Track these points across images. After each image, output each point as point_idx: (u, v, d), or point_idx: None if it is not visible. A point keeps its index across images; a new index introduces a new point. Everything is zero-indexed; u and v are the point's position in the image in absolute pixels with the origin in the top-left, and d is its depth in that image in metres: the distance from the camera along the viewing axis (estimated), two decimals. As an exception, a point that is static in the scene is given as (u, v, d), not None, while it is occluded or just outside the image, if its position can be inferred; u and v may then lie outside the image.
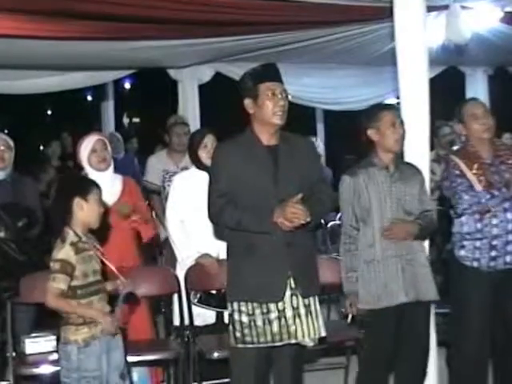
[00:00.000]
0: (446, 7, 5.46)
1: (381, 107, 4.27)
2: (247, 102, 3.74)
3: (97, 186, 3.75)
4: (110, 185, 4.71)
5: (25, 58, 6.22)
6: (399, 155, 4.26)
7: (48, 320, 4.57)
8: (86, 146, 4.79)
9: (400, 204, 4.08)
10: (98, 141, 4.82)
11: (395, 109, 4.28)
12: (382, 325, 4.05)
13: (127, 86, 18.29)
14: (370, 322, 4.13)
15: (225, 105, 6.98)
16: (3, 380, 4.48)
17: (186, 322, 4.72)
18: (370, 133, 4.14)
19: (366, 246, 4.07)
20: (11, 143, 4.93)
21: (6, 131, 5.11)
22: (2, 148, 4.86)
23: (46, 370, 4.36)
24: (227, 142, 3.87)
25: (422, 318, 4.12)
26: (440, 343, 4.51)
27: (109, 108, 10.42)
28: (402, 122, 4.15)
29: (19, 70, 7.05)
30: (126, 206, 4.76)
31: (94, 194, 3.69)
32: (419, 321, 4.11)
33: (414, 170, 4.26)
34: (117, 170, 5.01)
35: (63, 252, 3.60)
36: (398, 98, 4.77)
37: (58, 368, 4.06)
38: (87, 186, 3.72)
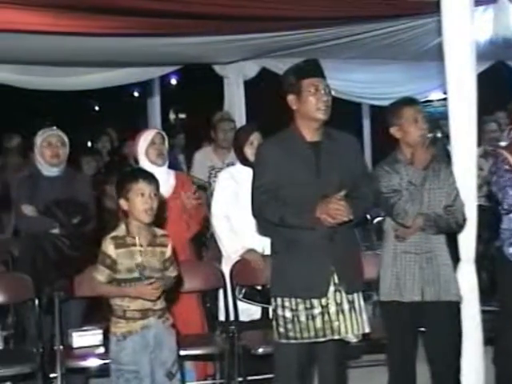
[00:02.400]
0: (493, 1, 5.39)
1: (401, 104, 4.12)
2: (290, 98, 3.74)
3: (137, 180, 3.72)
4: (165, 180, 4.74)
5: (72, 55, 6.29)
6: None
7: (97, 314, 4.64)
8: (146, 139, 4.87)
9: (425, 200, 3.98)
10: (157, 134, 4.92)
11: (416, 103, 4.15)
12: (395, 319, 4.00)
13: (173, 82, 18.34)
14: (385, 315, 4.11)
15: (270, 100, 6.97)
16: (52, 372, 4.55)
17: (231, 317, 4.75)
18: (393, 131, 4.06)
19: (390, 239, 4.05)
20: (66, 139, 4.94)
21: (53, 127, 5.13)
22: (58, 144, 4.89)
23: (92, 363, 4.43)
24: (271, 139, 3.89)
25: (444, 316, 4.00)
26: (486, 341, 4.45)
27: (155, 104, 10.44)
28: (424, 117, 4.04)
29: (66, 67, 7.14)
30: (191, 195, 4.82)
31: (134, 190, 3.70)
32: (441, 319, 3.99)
33: (444, 164, 4.17)
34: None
35: (104, 244, 3.70)
36: (444, 93, 4.72)
37: (104, 361, 4.14)
38: (126, 185, 3.73)
